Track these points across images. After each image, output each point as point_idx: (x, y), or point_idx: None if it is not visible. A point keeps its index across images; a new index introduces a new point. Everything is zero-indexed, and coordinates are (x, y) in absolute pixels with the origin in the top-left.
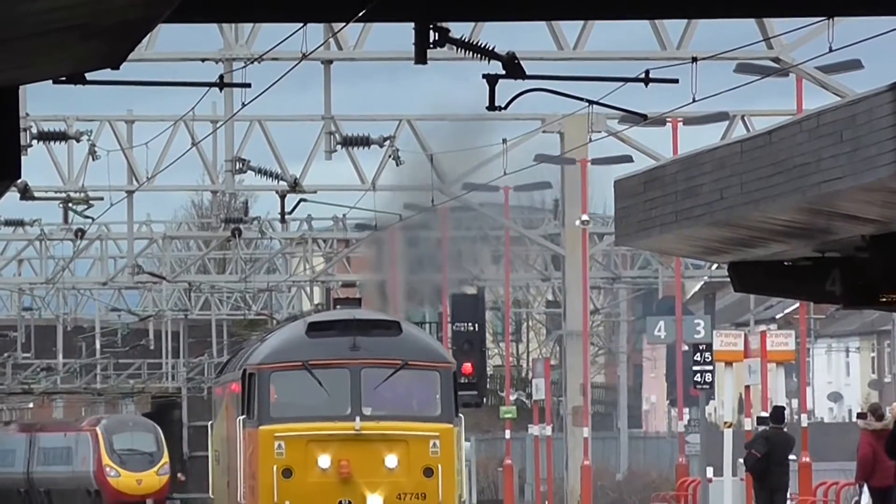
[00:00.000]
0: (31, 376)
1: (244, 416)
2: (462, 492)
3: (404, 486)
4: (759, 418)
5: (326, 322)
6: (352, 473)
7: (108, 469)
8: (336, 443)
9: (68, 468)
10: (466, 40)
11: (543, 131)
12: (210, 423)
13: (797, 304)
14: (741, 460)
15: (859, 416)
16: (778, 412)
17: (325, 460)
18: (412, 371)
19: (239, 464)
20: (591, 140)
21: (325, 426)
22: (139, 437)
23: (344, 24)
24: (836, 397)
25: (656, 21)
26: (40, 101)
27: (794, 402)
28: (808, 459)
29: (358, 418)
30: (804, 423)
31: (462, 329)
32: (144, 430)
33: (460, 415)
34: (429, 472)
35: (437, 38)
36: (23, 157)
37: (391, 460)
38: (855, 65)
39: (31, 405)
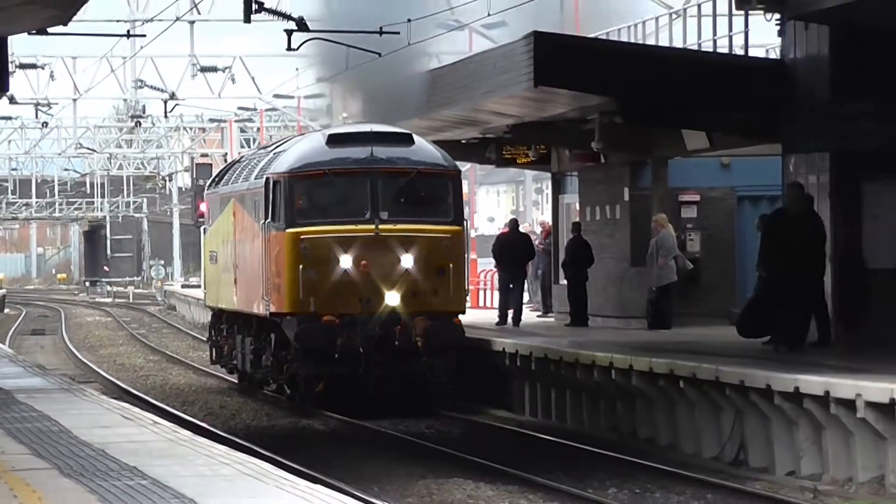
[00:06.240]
0: (17, 210)
1: (268, 220)
2: (468, 287)
3: (419, 284)
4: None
5: (345, 134)
6: (371, 272)
7: None
8: (357, 244)
9: None
10: None
11: None
12: (203, 227)
13: (469, 165)
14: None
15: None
16: (513, 222)
17: (346, 260)
18: (424, 178)
19: (262, 264)
20: None
21: (346, 229)
22: None
23: None
24: (491, 219)
25: None
26: (17, 44)
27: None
28: (475, 257)
29: (378, 221)
30: (473, 235)
31: None
32: None
33: (465, 218)
34: (441, 270)
35: None
36: (10, 79)
37: (407, 260)
38: (503, 23)
39: (17, 226)
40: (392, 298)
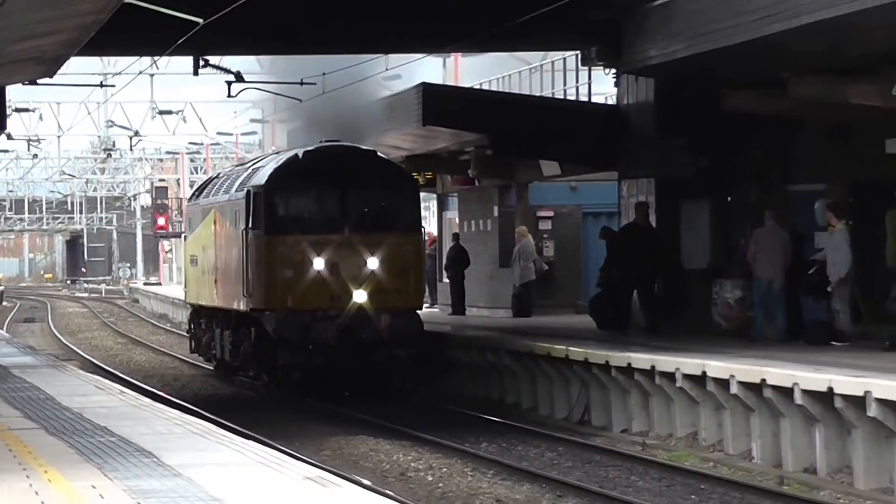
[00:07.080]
0: (12, 224)
1: (250, 227)
2: (424, 288)
3: (383, 284)
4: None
5: (318, 151)
6: (341, 274)
7: None
8: (329, 249)
9: None
10: None
11: None
12: (184, 235)
13: None
14: None
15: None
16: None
17: (319, 263)
18: (388, 190)
19: (243, 266)
20: None
21: (320, 235)
22: None
23: (158, 56)
24: None
25: None
26: (12, 92)
27: None
28: None
29: (346, 228)
30: None
31: None
32: None
33: (423, 226)
34: (403, 272)
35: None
36: (7, 120)
37: (373, 263)
38: (398, 76)
39: (12, 237)
40: (359, 296)
